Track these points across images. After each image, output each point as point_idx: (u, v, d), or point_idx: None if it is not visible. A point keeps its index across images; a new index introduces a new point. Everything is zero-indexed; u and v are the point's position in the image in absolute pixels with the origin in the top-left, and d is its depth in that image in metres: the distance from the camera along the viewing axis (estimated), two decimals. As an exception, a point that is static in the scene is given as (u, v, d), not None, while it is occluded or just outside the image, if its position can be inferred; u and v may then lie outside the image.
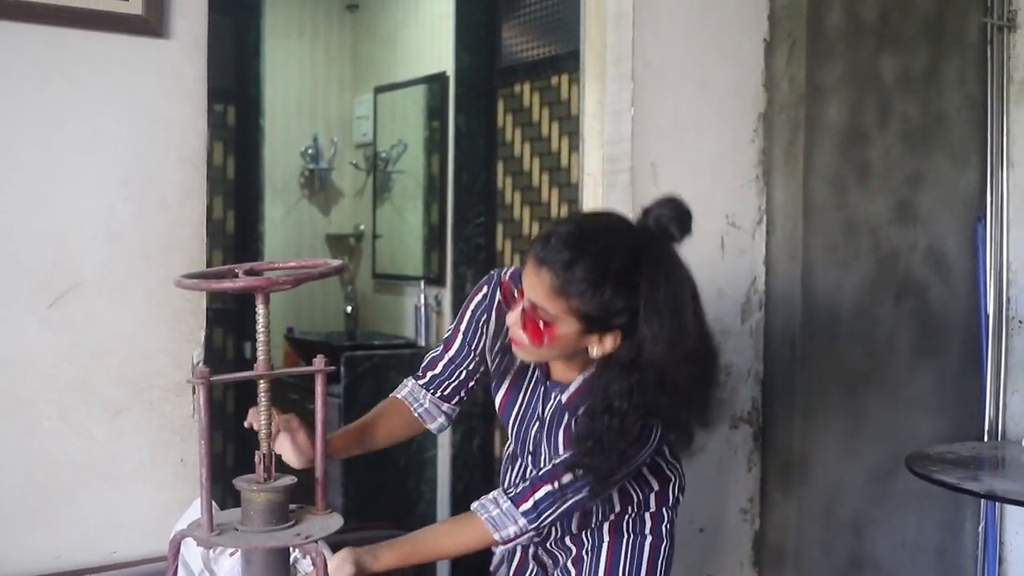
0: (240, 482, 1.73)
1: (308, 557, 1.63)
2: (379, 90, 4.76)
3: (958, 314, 3.26)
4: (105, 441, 2.09)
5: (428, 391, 1.88)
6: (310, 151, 4.90)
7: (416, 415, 1.88)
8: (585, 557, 1.92)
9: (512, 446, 1.92)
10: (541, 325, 1.59)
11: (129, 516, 2.12)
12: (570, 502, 1.72)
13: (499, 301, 1.79)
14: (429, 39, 4.43)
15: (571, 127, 3.60)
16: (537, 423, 1.83)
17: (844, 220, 3.02)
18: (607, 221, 1.67)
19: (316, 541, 1.76)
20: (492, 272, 1.84)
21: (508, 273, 1.79)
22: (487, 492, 1.85)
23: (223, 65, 4.31)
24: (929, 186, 3.19)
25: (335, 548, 2.42)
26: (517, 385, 1.84)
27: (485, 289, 1.82)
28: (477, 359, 1.85)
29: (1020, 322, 3.27)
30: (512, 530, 1.72)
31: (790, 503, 2.98)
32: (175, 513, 2.11)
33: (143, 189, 2.10)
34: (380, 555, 1.70)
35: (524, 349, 1.66)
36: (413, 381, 1.90)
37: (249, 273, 1.68)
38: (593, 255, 1.56)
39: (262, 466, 1.74)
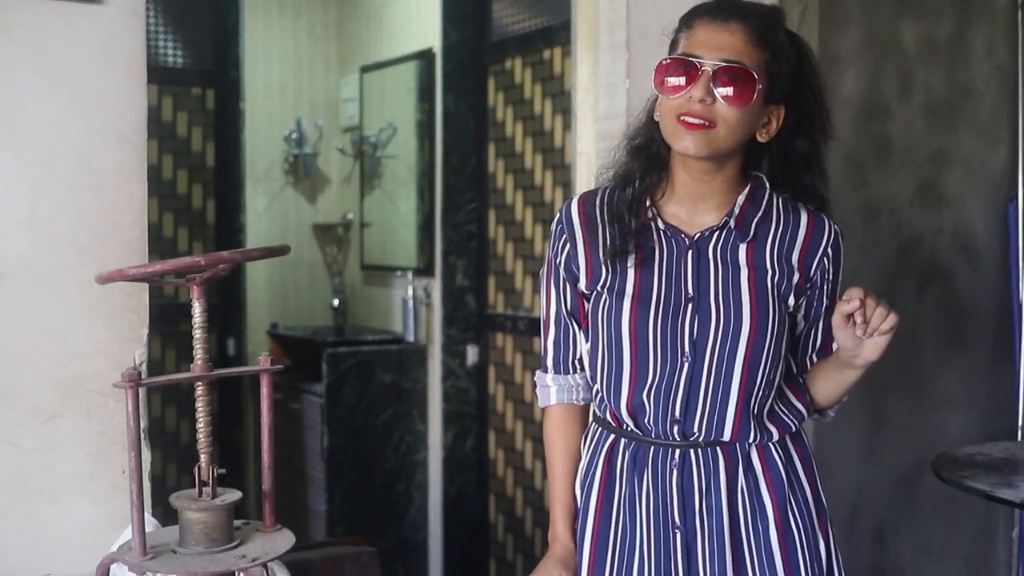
0: (177, 499, 1.68)
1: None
2: (365, 70, 4.58)
3: (988, 303, 3.18)
4: (35, 451, 1.96)
5: (567, 373, 1.73)
6: (294, 136, 4.74)
7: (580, 403, 1.74)
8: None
9: (648, 372, 1.59)
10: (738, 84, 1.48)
11: (65, 533, 2.01)
12: None
13: (577, 223, 1.65)
14: (415, 14, 4.28)
15: (565, 104, 3.47)
16: (689, 307, 1.57)
17: (862, 201, 2.92)
18: None
19: (264, 564, 1.66)
20: (559, 213, 1.70)
21: (576, 200, 1.69)
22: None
23: (201, 46, 4.28)
24: (955, 164, 3.10)
25: (298, 567, 2.22)
26: (644, 285, 1.58)
27: (557, 229, 1.68)
28: (578, 307, 1.69)
29: (1054, 311, 3.18)
30: None
31: (806, 510, 2.83)
32: (117, 530, 2.01)
33: (73, 171, 1.96)
34: None
35: (703, 129, 1.49)
36: (548, 375, 1.74)
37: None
38: (770, 9, 1.56)
39: (200, 480, 1.66)
